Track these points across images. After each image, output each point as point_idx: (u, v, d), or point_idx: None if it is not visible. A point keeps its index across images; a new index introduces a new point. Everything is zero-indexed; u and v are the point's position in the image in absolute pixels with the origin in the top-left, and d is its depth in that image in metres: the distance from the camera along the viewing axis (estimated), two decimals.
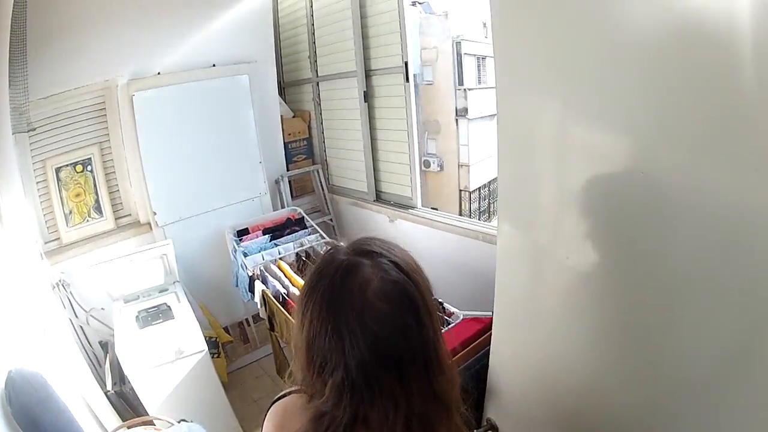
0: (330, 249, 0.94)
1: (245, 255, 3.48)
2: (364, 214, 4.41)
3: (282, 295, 3.01)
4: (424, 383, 0.83)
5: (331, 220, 4.67)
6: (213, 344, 3.45)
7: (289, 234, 3.78)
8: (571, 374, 1.25)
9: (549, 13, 1.05)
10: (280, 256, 3.51)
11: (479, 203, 13.72)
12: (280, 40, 4.78)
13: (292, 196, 4.59)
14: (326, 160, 4.72)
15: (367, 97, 4.01)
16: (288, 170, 4.56)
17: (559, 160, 1.15)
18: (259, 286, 3.15)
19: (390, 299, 0.82)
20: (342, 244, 0.94)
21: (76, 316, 3.29)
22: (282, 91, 4.81)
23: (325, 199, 4.66)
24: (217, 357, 3.48)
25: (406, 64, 3.64)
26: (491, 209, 13.72)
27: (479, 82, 12.75)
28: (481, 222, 5.41)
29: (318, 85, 4.53)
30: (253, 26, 4.02)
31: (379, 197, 4.30)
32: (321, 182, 4.66)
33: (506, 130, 1.24)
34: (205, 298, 3.82)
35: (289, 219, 3.96)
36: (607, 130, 1.03)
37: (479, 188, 13.50)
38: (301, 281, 2.77)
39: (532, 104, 1.16)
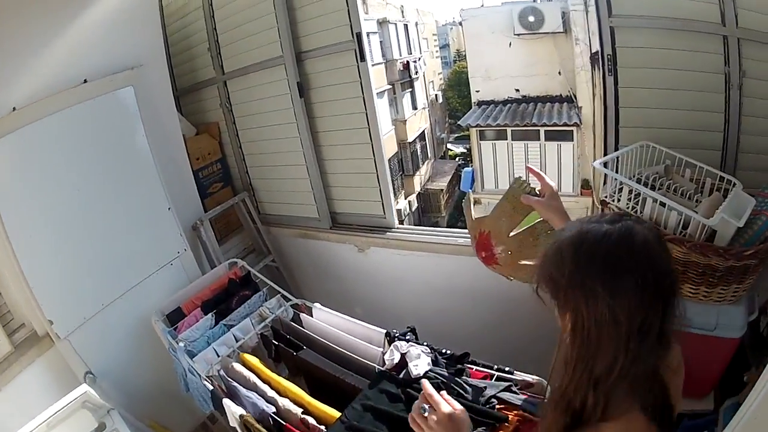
0: (566, 234, 0.91)
1: (191, 354, 2.29)
2: (319, 247, 3.33)
3: (271, 417, 1.85)
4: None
5: (273, 261, 3.53)
6: None
7: (238, 303, 2.61)
8: None
9: None
10: (239, 344, 2.36)
11: None
12: (167, 35, 3.50)
13: (218, 241, 3.36)
14: (251, 183, 3.55)
15: (303, 90, 2.92)
16: (206, 210, 3.30)
17: None
18: (230, 406, 1.96)
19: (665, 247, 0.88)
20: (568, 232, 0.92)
21: None
22: (176, 103, 3.45)
23: (260, 235, 3.51)
24: None
25: (358, 36, 2.60)
26: None
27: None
28: None
29: (226, 85, 3.35)
30: (133, 17, 2.69)
31: (337, 222, 3.24)
32: (250, 214, 3.49)
33: None
34: (154, 410, 2.71)
35: (230, 280, 2.75)
36: None
37: None
38: (290, 385, 1.96)
39: None
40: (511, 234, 1.45)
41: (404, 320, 3.15)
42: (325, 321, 2.36)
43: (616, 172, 1.85)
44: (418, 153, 15.44)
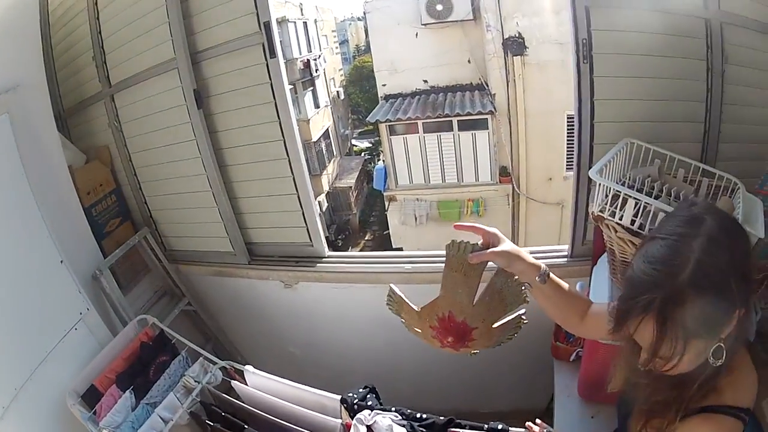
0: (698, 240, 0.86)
1: None
2: (239, 285, 2.78)
3: None
4: None
5: (189, 305, 2.92)
6: None
7: (156, 374, 2.15)
8: None
9: None
10: (169, 426, 1.96)
11: None
12: (52, 45, 2.80)
13: (124, 289, 2.67)
14: (152, 216, 2.90)
15: (201, 98, 2.35)
16: (105, 253, 2.62)
17: None
18: None
19: None
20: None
21: None
22: (62, 126, 2.83)
23: (169, 275, 2.88)
24: None
25: (266, 26, 2.10)
26: None
27: None
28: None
29: (113, 99, 2.68)
30: (5, 31, 2.04)
31: (256, 255, 2.70)
32: (155, 252, 2.85)
33: None
34: None
35: (143, 344, 2.25)
36: None
37: None
38: None
39: None
40: (475, 302, 1.21)
41: (350, 361, 2.71)
42: (262, 388, 1.99)
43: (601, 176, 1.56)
44: (324, 152, 15.48)
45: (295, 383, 1.93)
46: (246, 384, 2.06)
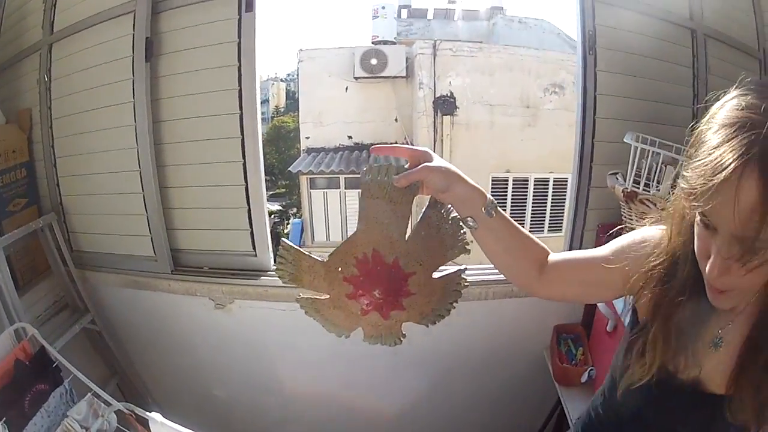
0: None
1: None
2: (158, 301, 2.21)
3: None
4: None
5: (93, 323, 2.28)
6: None
7: (32, 407, 1.57)
8: None
9: None
10: None
11: None
12: None
13: (17, 288, 2.02)
14: (62, 203, 2.33)
15: (152, 51, 1.95)
16: (1, 230, 2.06)
17: None
18: None
19: None
20: None
21: None
22: None
23: (72, 282, 2.26)
24: None
25: None
26: None
27: None
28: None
29: (51, 50, 2.21)
30: None
31: (182, 264, 2.18)
32: (58, 249, 2.22)
33: None
34: None
35: (17, 362, 1.65)
36: None
37: None
38: None
39: None
40: (408, 237, 0.88)
41: (296, 403, 2.25)
42: None
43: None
44: None
45: None
46: None
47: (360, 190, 0.88)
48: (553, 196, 8.13)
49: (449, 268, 0.90)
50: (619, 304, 1.59)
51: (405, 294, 0.89)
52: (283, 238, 0.96)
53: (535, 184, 8.31)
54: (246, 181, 1.98)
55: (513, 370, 2.17)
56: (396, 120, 8.93)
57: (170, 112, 2.02)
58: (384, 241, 0.88)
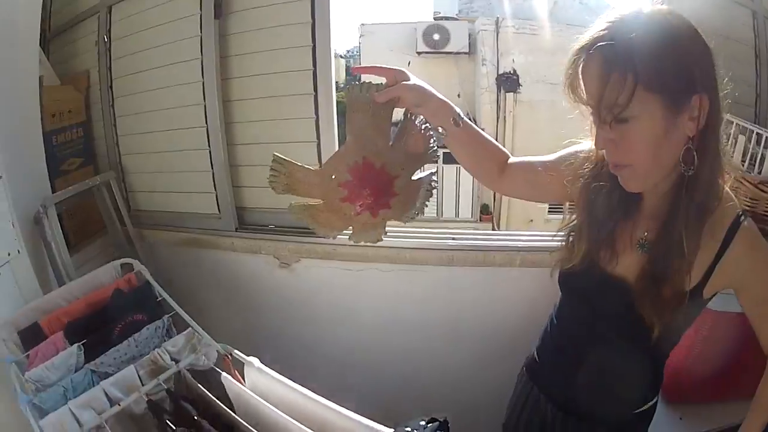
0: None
1: (39, 412, 1.35)
2: (218, 261, 2.21)
3: None
4: None
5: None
6: None
7: (123, 335, 1.59)
8: None
9: None
10: (114, 412, 1.39)
11: None
12: None
13: (69, 248, 2.03)
14: (120, 161, 2.33)
15: (221, 9, 1.91)
16: (54, 190, 2.03)
17: None
18: None
19: None
20: None
21: None
22: (45, 48, 2.30)
23: (129, 242, 2.27)
24: None
25: None
26: None
27: None
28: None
29: (110, 12, 2.19)
30: None
31: (247, 222, 2.18)
32: (116, 208, 2.25)
33: None
34: None
35: (117, 291, 1.72)
36: None
37: None
38: None
39: None
40: (391, 143, 1.02)
41: (351, 368, 2.16)
42: (268, 393, 1.44)
43: None
44: None
45: (324, 399, 1.34)
46: (243, 383, 1.51)
47: (346, 107, 0.99)
48: None
49: (423, 173, 1.02)
50: None
51: (391, 195, 1.01)
52: (275, 152, 1.02)
53: None
54: (318, 138, 1.96)
55: None
56: (458, 96, 8.74)
57: (240, 68, 1.99)
58: (372, 149, 1.00)
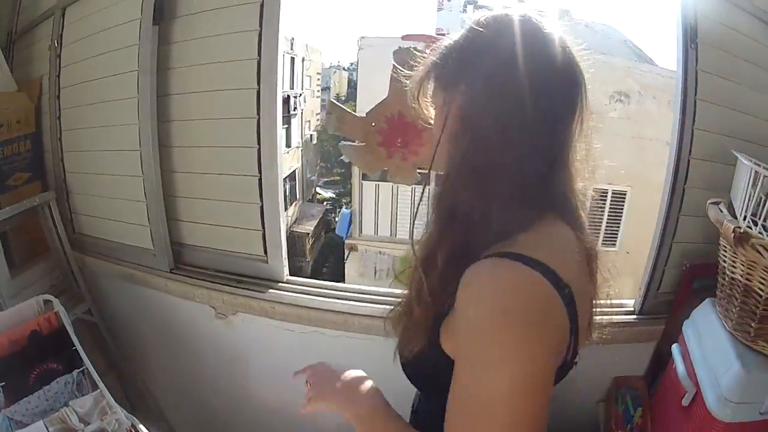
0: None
1: None
2: (154, 301, 1.94)
3: None
4: None
5: (89, 313, 2.07)
6: None
7: (38, 383, 1.51)
8: None
9: None
10: None
11: None
12: None
13: (9, 267, 1.86)
14: (66, 181, 2.10)
15: (162, 14, 1.65)
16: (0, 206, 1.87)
17: None
18: None
19: None
20: None
21: None
22: (9, 50, 2.15)
23: (69, 267, 2.05)
24: None
25: None
26: None
27: None
28: None
29: (64, 14, 1.98)
30: None
31: (184, 262, 1.90)
32: (58, 231, 2.02)
33: None
34: None
35: (33, 333, 1.58)
36: None
37: None
38: None
39: None
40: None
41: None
42: None
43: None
44: (287, 193, 15.09)
45: None
46: None
47: (390, 71, 1.23)
48: (610, 208, 7.59)
49: None
50: (703, 373, 1.21)
51: (419, 145, 1.31)
52: (330, 99, 0.84)
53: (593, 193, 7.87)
54: (260, 172, 1.66)
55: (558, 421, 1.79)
56: None
57: (179, 82, 1.73)
58: (406, 105, 1.05)
